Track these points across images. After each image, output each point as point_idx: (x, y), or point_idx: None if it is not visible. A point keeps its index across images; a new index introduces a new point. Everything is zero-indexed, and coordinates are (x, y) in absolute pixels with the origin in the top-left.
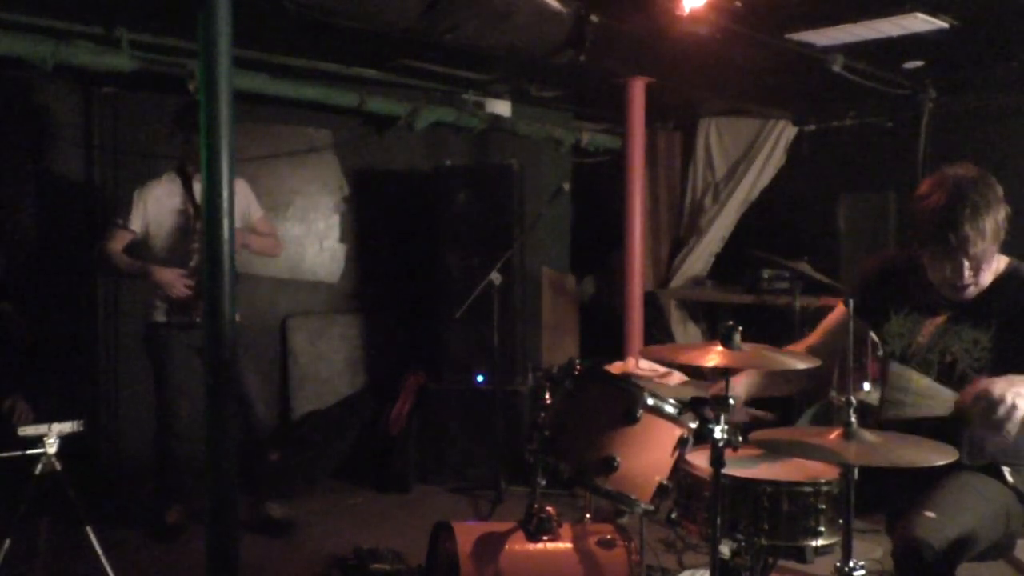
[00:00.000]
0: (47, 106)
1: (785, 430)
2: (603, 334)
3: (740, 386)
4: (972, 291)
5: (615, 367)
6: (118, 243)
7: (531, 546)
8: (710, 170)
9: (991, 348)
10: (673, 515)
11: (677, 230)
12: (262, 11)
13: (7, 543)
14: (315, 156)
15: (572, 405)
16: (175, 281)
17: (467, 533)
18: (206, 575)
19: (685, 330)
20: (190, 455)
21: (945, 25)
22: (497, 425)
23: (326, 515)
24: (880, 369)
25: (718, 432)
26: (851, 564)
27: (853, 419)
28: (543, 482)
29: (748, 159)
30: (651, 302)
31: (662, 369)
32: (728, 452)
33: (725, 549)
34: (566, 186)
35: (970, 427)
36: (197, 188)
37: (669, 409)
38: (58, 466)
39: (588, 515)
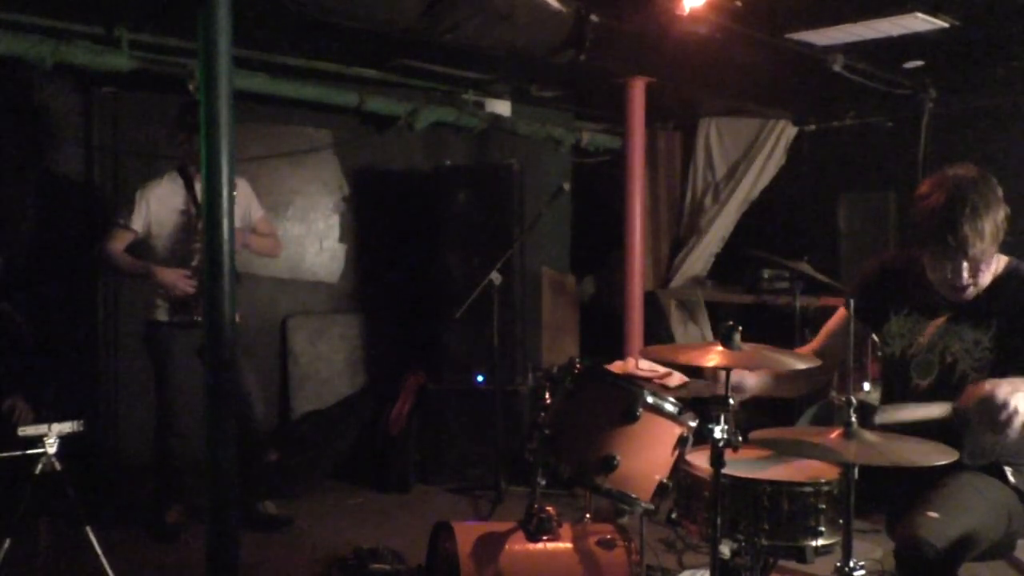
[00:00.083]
0: (47, 106)
1: (785, 430)
2: (603, 334)
3: (751, 378)
4: (971, 292)
5: (615, 366)
6: (120, 243)
7: (531, 546)
8: (710, 170)
9: (992, 348)
10: (673, 515)
11: (677, 230)
12: (262, 11)
13: (7, 543)
14: (315, 156)
15: (572, 404)
16: (178, 281)
17: (467, 533)
18: (206, 575)
19: (685, 330)
20: (190, 455)
21: (945, 25)
22: (497, 425)
23: (326, 515)
24: (880, 370)
25: (718, 432)
26: (851, 564)
27: (853, 419)
28: (543, 482)
29: (748, 159)
30: (651, 302)
31: (662, 370)
32: (728, 452)
33: (725, 549)
34: (566, 186)
35: (971, 429)
36: (199, 188)
37: (669, 408)
38: (58, 466)
39: (588, 515)
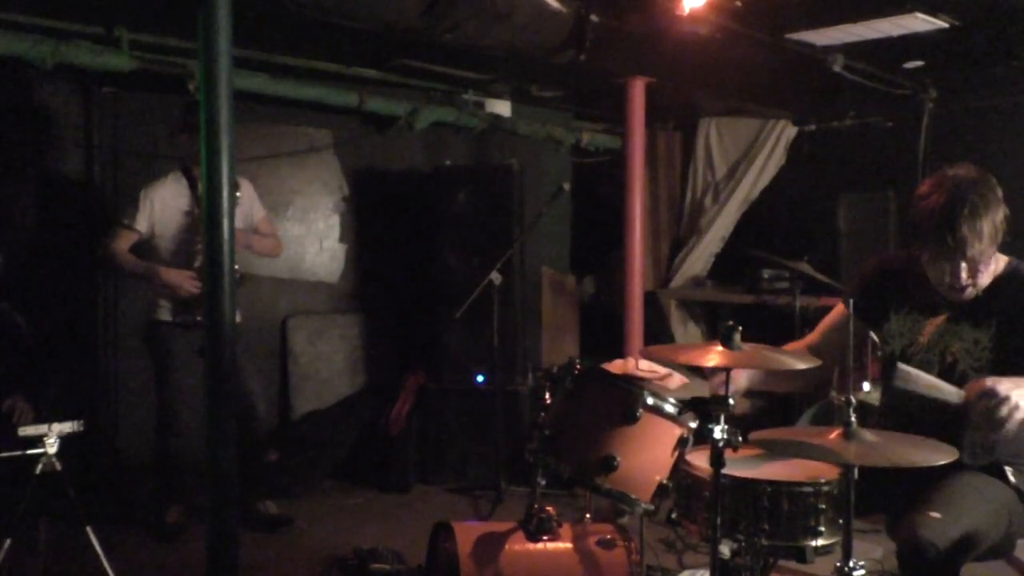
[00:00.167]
0: (47, 106)
1: (785, 430)
2: (603, 334)
3: (741, 376)
4: (970, 292)
5: (614, 365)
6: (124, 243)
7: (531, 546)
8: (710, 170)
9: (991, 348)
10: (673, 515)
11: (677, 230)
12: (262, 11)
13: (7, 543)
14: (315, 156)
15: (572, 405)
16: (183, 282)
17: (467, 533)
18: (206, 575)
19: (685, 330)
20: (190, 454)
21: (945, 25)
22: (497, 425)
23: (326, 515)
24: (881, 368)
25: (718, 432)
26: (851, 564)
27: (853, 419)
28: (543, 482)
29: (748, 159)
30: (651, 302)
31: (662, 370)
32: (728, 452)
33: (725, 549)
34: (566, 186)
35: (970, 424)
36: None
37: (669, 408)
38: (58, 466)
39: (588, 515)
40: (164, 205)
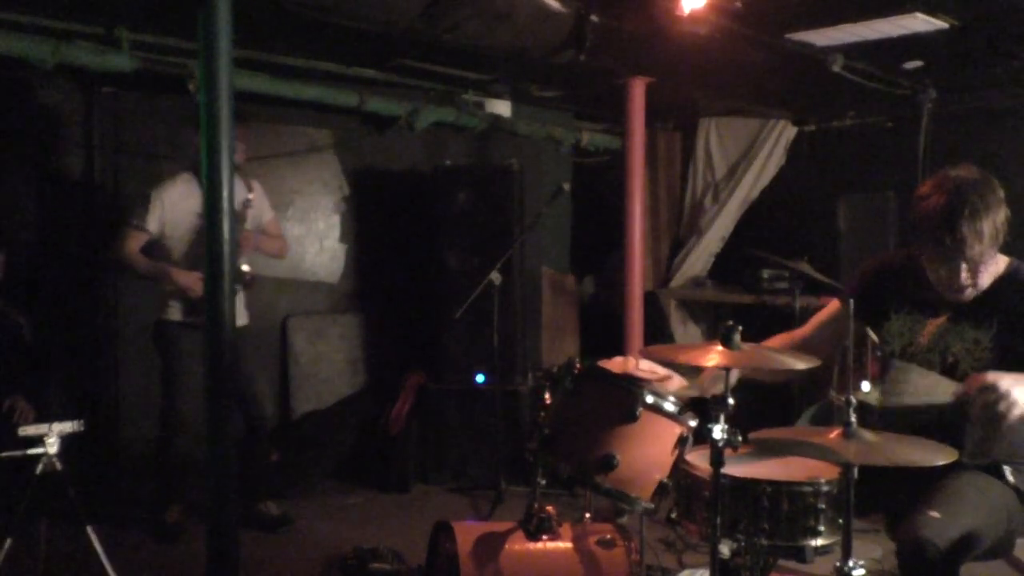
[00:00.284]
0: (47, 106)
1: (785, 430)
2: (603, 334)
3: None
4: (970, 292)
5: (613, 363)
6: (135, 244)
7: (531, 546)
8: (710, 170)
9: (992, 348)
10: (673, 515)
11: (677, 230)
12: (262, 11)
13: (7, 543)
14: (315, 156)
15: (572, 404)
16: (193, 283)
17: (467, 533)
18: (206, 575)
19: (685, 330)
20: (192, 455)
21: (945, 25)
22: (497, 425)
23: (326, 515)
24: (880, 368)
25: (718, 432)
26: (851, 564)
27: (853, 419)
28: (543, 482)
29: (748, 159)
30: (651, 302)
31: (662, 371)
32: (727, 450)
33: (725, 549)
34: (566, 186)
35: (970, 420)
36: None
37: (669, 407)
38: (59, 466)
39: (588, 515)
40: (174, 206)
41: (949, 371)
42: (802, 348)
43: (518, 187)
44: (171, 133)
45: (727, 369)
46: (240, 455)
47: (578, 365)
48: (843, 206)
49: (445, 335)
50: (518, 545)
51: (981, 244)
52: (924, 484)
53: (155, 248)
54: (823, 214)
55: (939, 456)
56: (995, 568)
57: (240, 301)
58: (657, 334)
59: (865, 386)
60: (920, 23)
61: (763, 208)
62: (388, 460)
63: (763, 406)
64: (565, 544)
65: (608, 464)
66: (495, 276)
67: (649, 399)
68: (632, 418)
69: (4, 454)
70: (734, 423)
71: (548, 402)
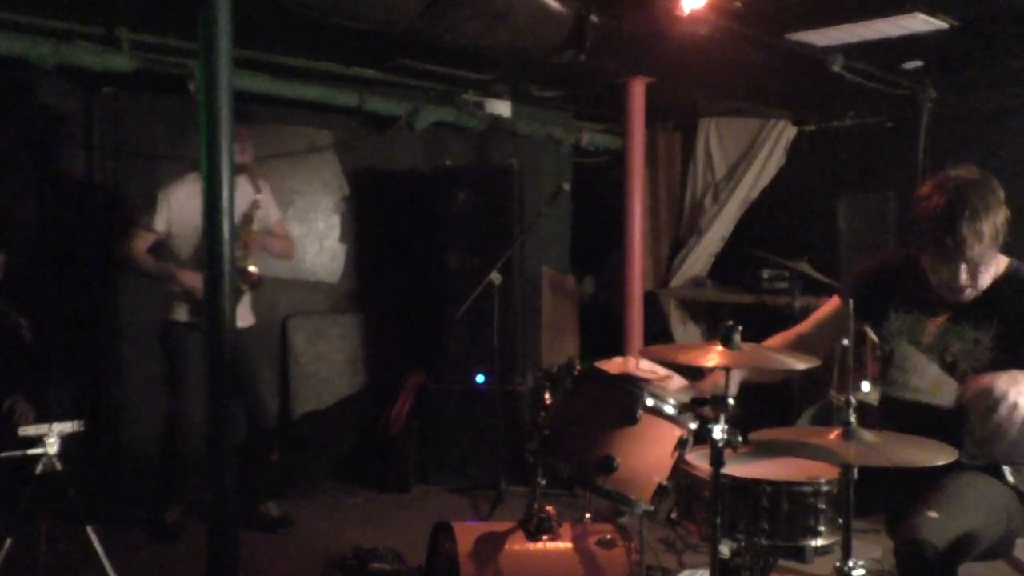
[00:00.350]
0: (47, 106)
1: (785, 430)
2: (603, 334)
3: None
4: (970, 293)
5: (614, 363)
6: (141, 244)
7: (531, 546)
8: (710, 170)
9: (992, 348)
10: (673, 515)
11: (677, 230)
12: (262, 11)
13: (7, 543)
14: (315, 156)
15: (572, 405)
16: (200, 284)
17: (467, 533)
18: (206, 575)
19: (685, 330)
20: (194, 455)
21: (945, 25)
22: (497, 425)
23: (326, 515)
24: (882, 362)
25: (717, 432)
26: (851, 564)
27: (853, 419)
28: (543, 482)
29: (748, 159)
30: (651, 302)
31: (662, 371)
32: (727, 450)
33: (725, 549)
34: (566, 186)
35: (969, 422)
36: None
37: (669, 410)
38: (59, 466)
39: (588, 515)
40: (181, 206)
41: (949, 371)
42: (801, 345)
43: (518, 187)
44: (171, 133)
45: (727, 369)
46: (241, 455)
47: (578, 365)
48: (843, 206)
49: (445, 335)
50: (518, 545)
51: (981, 245)
52: (924, 484)
53: (162, 248)
54: (823, 214)
55: (939, 456)
56: (995, 568)
57: (246, 302)
58: (657, 334)
59: (865, 386)
60: (920, 23)
61: (763, 208)
62: (388, 460)
63: (763, 406)
64: (565, 544)
65: (608, 466)
66: (495, 276)
67: (649, 402)
68: (632, 421)
69: (4, 454)
70: (734, 423)
71: (548, 402)
